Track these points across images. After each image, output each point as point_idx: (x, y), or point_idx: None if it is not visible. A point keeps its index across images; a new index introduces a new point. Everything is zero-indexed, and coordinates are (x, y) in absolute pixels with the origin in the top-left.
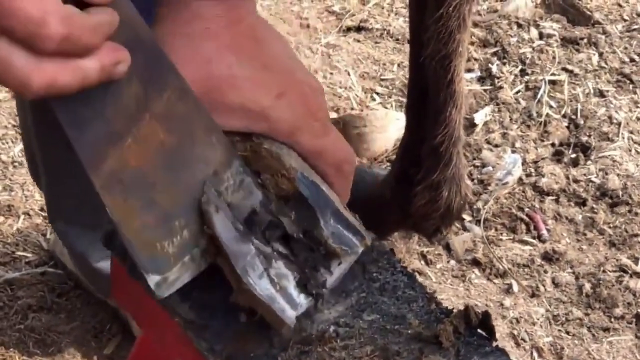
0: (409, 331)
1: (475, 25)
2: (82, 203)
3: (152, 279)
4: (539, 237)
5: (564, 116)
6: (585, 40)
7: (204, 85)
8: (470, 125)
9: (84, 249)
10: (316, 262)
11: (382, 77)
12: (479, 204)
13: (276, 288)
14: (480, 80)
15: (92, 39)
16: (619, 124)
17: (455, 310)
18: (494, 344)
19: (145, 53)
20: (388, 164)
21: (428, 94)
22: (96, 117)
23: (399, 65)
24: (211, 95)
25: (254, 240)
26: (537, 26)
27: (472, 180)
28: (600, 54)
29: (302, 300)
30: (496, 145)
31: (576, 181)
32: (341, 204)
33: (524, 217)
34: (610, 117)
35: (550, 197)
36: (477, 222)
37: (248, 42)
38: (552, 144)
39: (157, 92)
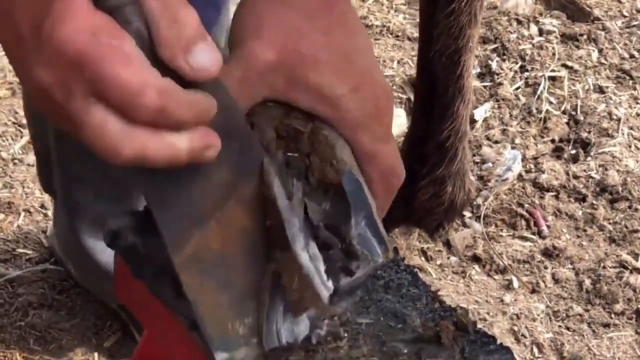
0: (413, 330)
1: None
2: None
3: (220, 356)
4: (539, 233)
5: (563, 112)
6: (585, 37)
7: (289, 56)
8: (470, 122)
9: (92, 245)
10: (338, 259)
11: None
12: (479, 200)
13: (314, 265)
14: (480, 76)
15: (186, 115)
16: (619, 120)
17: (458, 308)
18: (499, 341)
19: (239, 140)
20: None
21: (436, 89)
22: (183, 198)
23: (398, 62)
24: (291, 68)
25: (299, 216)
26: (536, 22)
27: (472, 176)
28: (600, 50)
29: (330, 286)
30: (496, 142)
31: (576, 177)
32: (377, 212)
33: (524, 213)
34: (610, 113)
35: (550, 193)
36: (477, 219)
37: (339, 29)
38: (552, 140)
39: (246, 180)
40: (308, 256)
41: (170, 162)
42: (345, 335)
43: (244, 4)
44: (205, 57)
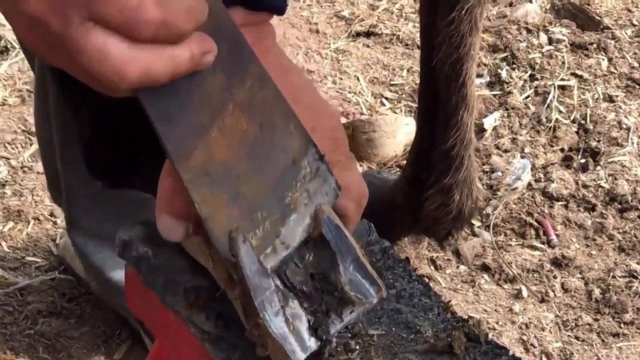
0: (425, 340)
1: (485, 30)
2: (103, 216)
3: None
4: (548, 243)
5: (573, 121)
6: (594, 46)
7: None
8: (480, 131)
9: (100, 262)
10: (329, 307)
11: (392, 82)
12: (489, 210)
13: (290, 328)
14: (490, 85)
15: (186, 25)
16: (629, 129)
17: (470, 320)
18: (510, 352)
19: (228, 42)
20: (397, 169)
21: (439, 98)
22: (183, 109)
23: (408, 70)
24: None
25: (274, 278)
26: (546, 31)
27: (481, 185)
28: (610, 59)
29: (312, 343)
30: (505, 151)
31: (585, 186)
32: (361, 252)
33: (533, 222)
34: (619, 122)
35: (560, 203)
36: (487, 228)
37: (278, 74)
38: (562, 149)
39: (240, 82)
40: (284, 319)
41: (173, 75)
42: (357, 347)
43: None
44: None
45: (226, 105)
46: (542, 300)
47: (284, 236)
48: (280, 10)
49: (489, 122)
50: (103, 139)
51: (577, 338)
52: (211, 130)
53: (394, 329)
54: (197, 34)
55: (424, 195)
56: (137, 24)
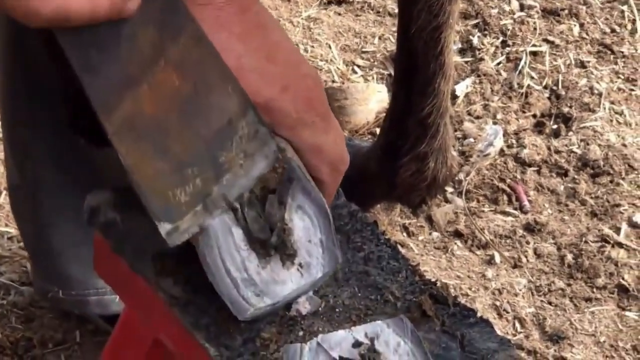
0: (393, 303)
1: None
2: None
3: (164, 228)
4: (521, 208)
5: (545, 87)
6: (566, 11)
7: None
8: (452, 97)
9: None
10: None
11: (363, 50)
12: (461, 176)
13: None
14: (461, 52)
15: None
16: (600, 94)
17: (438, 283)
18: (479, 314)
19: (161, 0)
20: (370, 136)
21: (416, 66)
22: (111, 61)
23: (380, 37)
24: None
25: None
26: None
27: (454, 152)
28: (581, 25)
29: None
30: (477, 117)
31: (557, 152)
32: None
33: (506, 188)
34: (591, 88)
35: (532, 168)
36: (459, 194)
37: (256, 31)
38: (534, 115)
39: (173, 38)
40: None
41: (91, 17)
42: (323, 308)
43: None
44: None
45: (157, 61)
46: (515, 266)
47: (216, 194)
48: None
49: (460, 89)
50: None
51: (550, 303)
52: (140, 84)
53: (361, 291)
54: None
55: (398, 163)
56: None
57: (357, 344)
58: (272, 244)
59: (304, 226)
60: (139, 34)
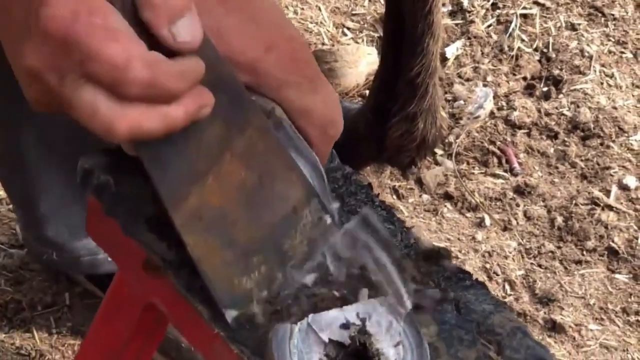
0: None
1: None
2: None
3: (230, 314)
4: (511, 171)
5: (535, 50)
6: None
7: None
8: (442, 60)
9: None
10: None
11: (353, 12)
12: (451, 138)
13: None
14: (452, 14)
15: (177, 85)
16: (591, 57)
17: (432, 246)
18: (474, 277)
19: (228, 93)
20: (360, 98)
21: (405, 26)
22: (179, 157)
23: (370, 0)
24: None
25: None
26: None
27: (444, 113)
28: None
29: None
30: (467, 79)
31: (548, 114)
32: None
33: (496, 150)
34: (582, 51)
35: (522, 131)
36: (449, 156)
37: None
38: (524, 78)
39: (239, 131)
40: None
41: (166, 130)
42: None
43: None
44: (187, 31)
45: (224, 154)
46: (505, 229)
47: (280, 282)
48: None
49: (451, 51)
50: None
51: (539, 265)
52: (207, 177)
53: (357, 254)
54: (195, 89)
55: (387, 124)
56: (124, 82)
57: (347, 325)
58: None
59: None
60: (206, 129)
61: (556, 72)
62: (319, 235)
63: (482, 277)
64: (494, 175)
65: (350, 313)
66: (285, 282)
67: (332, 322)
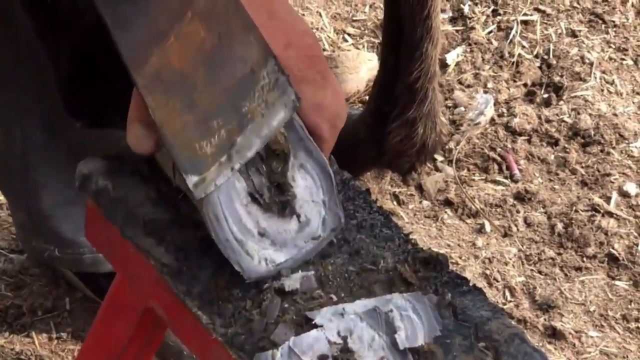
0: (386, 270)
1: None
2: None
3: (191, 180)
4: (511, 177)
5: (536, 56)
6: None
7: None
8: (442, 66)
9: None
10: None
11: (354, 18)
12: (451, 144)
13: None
14: (452, 20)
15: None
16: (591, 64)
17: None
18: (471, 283)
19: None
20: (360, 104)
21: (404, 31)
22: (141, 15)
23: (370, 6)
24: None
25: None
26: None
27: (444, 118)
28: None
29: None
30: (468, 86)
31: (548, 121)
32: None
33: (496, 157)
34: (582, 57)
35: (523, 137)
36: (450, 163)
37: None
38: (525, 84)
39: None
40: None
41: None
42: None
43: None
44: None
45: (185, 13)
46: (505, 235)
47: (239, 145)
48: None
49: (451, 58)
50: (82, 77)
51: (540, 272)
52: (168, 37)
53: (355, 258)
54: None
55: (387, 129)
56: None
57: (328, 345)
58: (275, 200)
59: (306, 185)
60: None
61: (557, 78)
62: (277, 97)
63: (482, 284)
64: (495, 182)
65: (331, 332)
66: (242, 148)
67: (313, 343)
